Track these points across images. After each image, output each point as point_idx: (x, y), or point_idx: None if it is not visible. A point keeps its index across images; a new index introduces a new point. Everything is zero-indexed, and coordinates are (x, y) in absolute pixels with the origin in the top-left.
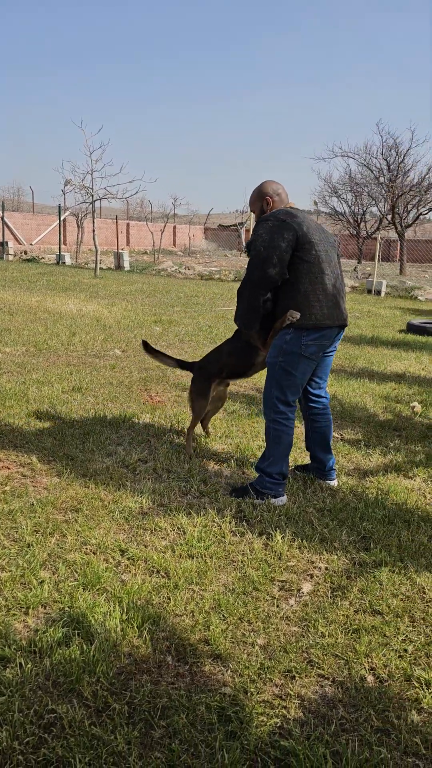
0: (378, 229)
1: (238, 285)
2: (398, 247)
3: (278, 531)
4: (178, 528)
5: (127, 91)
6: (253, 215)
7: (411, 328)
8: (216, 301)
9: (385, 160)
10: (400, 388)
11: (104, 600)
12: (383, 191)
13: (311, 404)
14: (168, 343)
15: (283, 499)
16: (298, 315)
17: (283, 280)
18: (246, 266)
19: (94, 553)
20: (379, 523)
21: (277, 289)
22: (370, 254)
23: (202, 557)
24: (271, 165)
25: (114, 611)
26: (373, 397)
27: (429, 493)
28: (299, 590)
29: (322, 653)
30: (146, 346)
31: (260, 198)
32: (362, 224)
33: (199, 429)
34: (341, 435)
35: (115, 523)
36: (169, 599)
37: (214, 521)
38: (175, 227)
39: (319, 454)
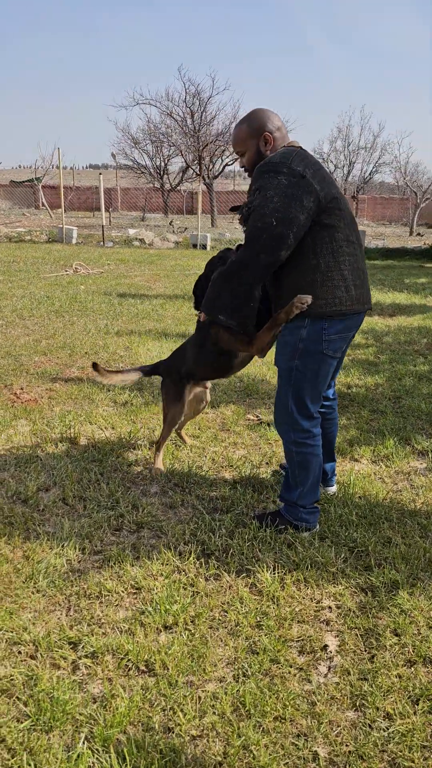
0: (182, 180)
1: (56, 247)
2: (208, 199)
3: (259, 564)
4: (132, 585)
5: None
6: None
7: None
8: (40, 267)
9: (189, 108)
10: None
11: (86, 746)
12: (188, 141)
13: None
14: (6, 322)
15: (317, 528)
16: (308, 299)
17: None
18: (245, 237)
19: (32, 658)
20: (362, 529)
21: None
22: (176, 207)
23: (184, 626)
24: (64, 115)
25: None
26: (268, 366)
27: (387, 477)
28: (325, 648)
29: (408, 751)
30: (96, 367)
31: (256, 134)
32: (165, 176)
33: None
34: (258, 416)
35: (44, 597)
36: (173, 711)
37: (174, 566)
38: None
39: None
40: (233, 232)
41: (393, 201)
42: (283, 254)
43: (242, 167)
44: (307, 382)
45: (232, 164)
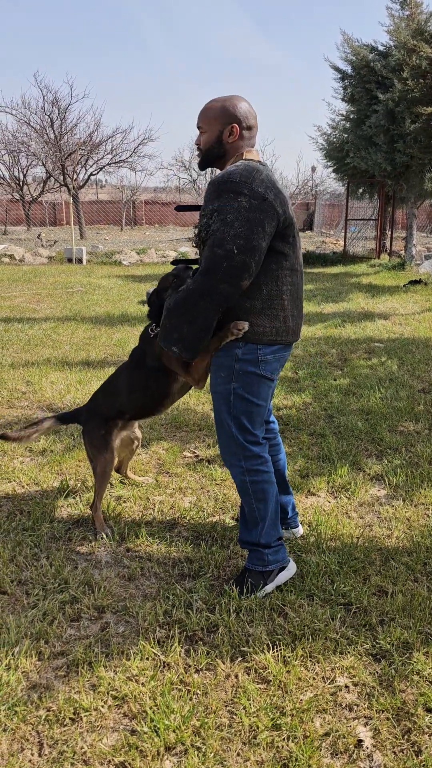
0: (43, 191)
1: None
2: (74, 210)
3: (253, 642)
4: (113, 696)
5: None
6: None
7: None
8: None
9: (48, 116)
10: None
11: None
12: (49, 150)
13: None
14: None
15: (292, 566)
16: (245, 325)
17: None
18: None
19: None
20: (349, 579)
21: None
22: (38, 219)
23: (191, 744)
24: None
25: None
26: (189, 393)
27: (352, 511)
28: (360, 744)
29: None
30: (4, 437)
31: (224, 117)
32: (25, 187)
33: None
34: (194, 452)
35: (4, 732)
36: None
37: (157, 660)
38: None
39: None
40: (105, 245)
41: None
42: (245, 283)
43: (196, 144)
44: (248, 405)
45: (96, 173)
